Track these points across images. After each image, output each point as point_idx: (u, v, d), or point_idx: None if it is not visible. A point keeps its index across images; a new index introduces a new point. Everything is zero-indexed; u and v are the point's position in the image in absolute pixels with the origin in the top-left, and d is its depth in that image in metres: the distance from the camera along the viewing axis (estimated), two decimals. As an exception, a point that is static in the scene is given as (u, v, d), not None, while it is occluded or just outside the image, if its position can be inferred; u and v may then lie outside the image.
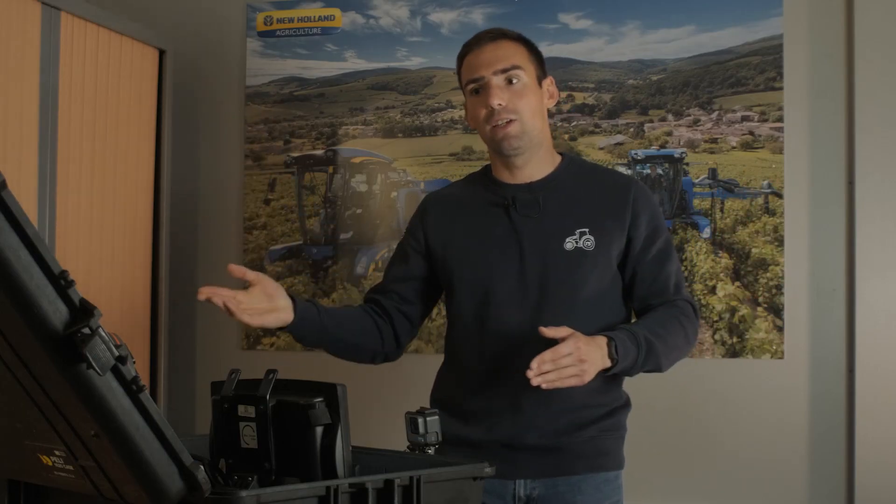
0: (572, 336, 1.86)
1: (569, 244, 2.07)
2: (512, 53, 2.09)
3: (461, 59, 2.15)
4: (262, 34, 3.23)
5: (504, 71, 2.06)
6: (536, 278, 2.06)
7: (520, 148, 2.08)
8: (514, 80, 2.06)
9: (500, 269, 2.08)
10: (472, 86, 2.10)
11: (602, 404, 2.08)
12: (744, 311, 2.80)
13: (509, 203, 2.10)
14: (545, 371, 1.83)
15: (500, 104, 2.04)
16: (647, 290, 2.10)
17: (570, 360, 1.84)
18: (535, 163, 2.13)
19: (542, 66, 2.15)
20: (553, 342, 1.87)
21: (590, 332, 1.96)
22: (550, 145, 2.17)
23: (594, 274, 2.07)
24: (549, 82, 2.15)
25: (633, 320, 2.17)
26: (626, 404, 2.15)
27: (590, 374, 1.87)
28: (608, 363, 1.92)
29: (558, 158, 2.17)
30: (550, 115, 2.93)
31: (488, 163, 2.23)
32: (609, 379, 2.07)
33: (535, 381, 1.82)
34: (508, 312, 2.06)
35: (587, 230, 2.07)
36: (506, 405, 2.06)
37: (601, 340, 1.92)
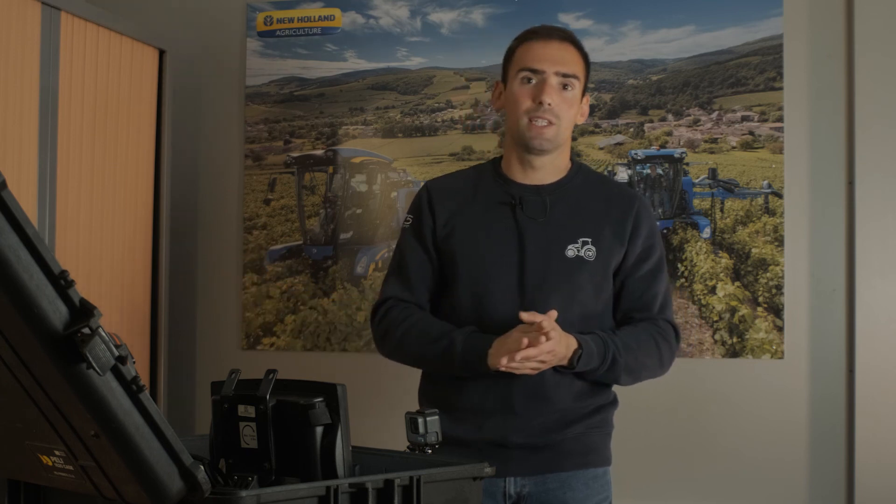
0: (554, 339, 1.93)
1: (570, 251, 2.08)
2: (576, 61, 2.13)
3: (522, 41, 2.16)
4: (262, 34, 3.23)
5: (564, 75, 2.09)
6: (535, 281, 2.07)
7: (545, 150, 2.11)
8: (568, 88, 2.10)
9: (500, 267, 2.09)
10: (526, 73, 2.11)
11: (590, 403, 2.11)
12: (744, 311, 2.80)
13: (516, 203, 2.11)
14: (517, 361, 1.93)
15: (550, 103, 2.07)
16: (631, 305, 2.14)
17: (540, 358, 1.94)
18: (550, 167, 2.15)
19: (587, 83, 2.18)
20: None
21: None
22: (567, 156, 2.20)
23: (592, 283, 2.09)
24: (586, 100, 2.19)
25: None
26: (614, 402, 2.18)
27: (543, 368, 1.99)
28: (565, 364, 2.00)
29: (568, 165, 2.19)
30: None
31: (495, 157, 2.24)
32: (598, 382, 2.10)
33: (504, 365, 1.93)
34: (504, 311, 2.07)
35: (590, 240, 2.09)
36: (497, 404, 2.07)
37: (572, 344, 1.99)
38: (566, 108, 2.10)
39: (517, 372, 1.96)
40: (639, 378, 2.13)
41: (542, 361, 1.95)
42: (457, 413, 2.08)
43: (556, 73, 2.09)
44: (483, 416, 2.07)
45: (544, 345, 1.91)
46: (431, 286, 2.18)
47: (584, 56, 2.16)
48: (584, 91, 2.17)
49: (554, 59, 2.10)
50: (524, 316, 1.93)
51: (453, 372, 2.06)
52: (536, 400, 2.05)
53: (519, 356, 1.90)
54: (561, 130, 2.10)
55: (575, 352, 1.99)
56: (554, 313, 1.95)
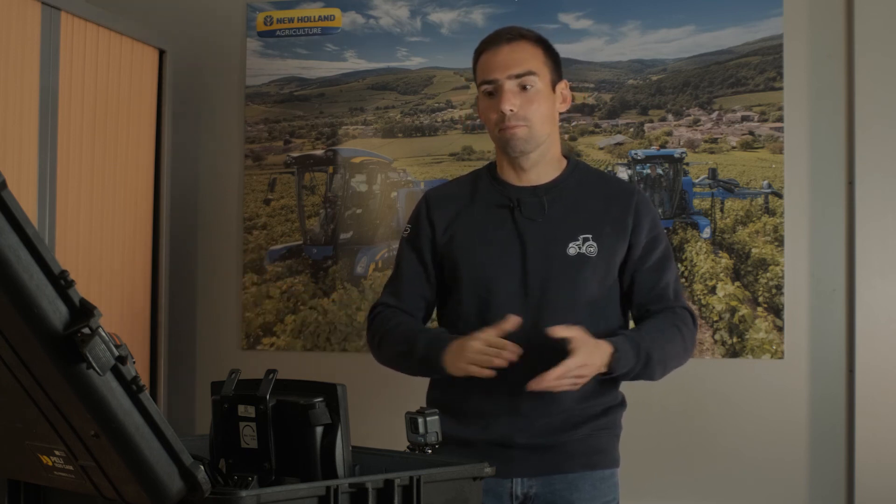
0: (582, 349, 1.91)
1: (572, 249, 2.08)
2: (528, 57, 2.08)
3: (477, 55, 2.15)
4: (262, 34, 3.23)
5: (518, 76, 2.06)
6: (538, 281, 2.07)
7: (526, 151, 2.10)
8: (528, 86, 2.07)
9: (502, 269, 2.09)
10: (485, 87, 2.10)
11: (598, 403, 2.10)
12: (744, 311, 2.80)
13: (514, 205, 2.11)
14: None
15: (511, 110, 2.05)
16: (645, 298, 2.12)
17: (578, 372, 1.91)
18: (542, 166, 2.14)
19: (559, 69, 2.15)
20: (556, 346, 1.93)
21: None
22: (558, 150, 2.18)
23: (595, 280, 2.08)
24: (563, 86, 2.15)
25: (630, 325, 2.19)
26: (622, 403, 2.16)
27: (583, 382, 1.95)
28: (604, 370, 1.98)
29: (564, 163, 2.18)
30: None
31: (492, 161, 2.24)
32: (606, 381, 2.09)
33: (531, 386, 1.90)
34: (509, 314, 2.06)
35: (590, 236, 2.08)
36: (503, 405, 2.07)
37: (606, 350, 1.96)
38: (531, 107, 2.06)
39: (553, 390, 1.95)
40: (668, 369, 2.11)
41: (581, 375, 1.93)
42: (463, 414, 2.08)
43: (510, 77, 2.06)
44: (489, 418, 2.08)
45: (572, 360, 1.89)
46: (427, 295, 2.20)
47: (544, 46, 2.12)
48: (558, 78, 2.13)
49: (503, 64, 2.07)
50: (556, 332, 1.93)
51: (414, 372, 2.11)
52: (542, 401, 2.04)
53: (543, 380, 1.89)
54: (534, 129, 2.07)
55: (612, 356, 1.97)
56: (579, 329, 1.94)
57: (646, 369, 2.04)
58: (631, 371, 2.02)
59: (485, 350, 1.94)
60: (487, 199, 2.16)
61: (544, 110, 2.09)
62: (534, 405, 2.05)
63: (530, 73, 2.06)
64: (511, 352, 1.93)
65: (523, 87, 2.06)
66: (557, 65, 2.14)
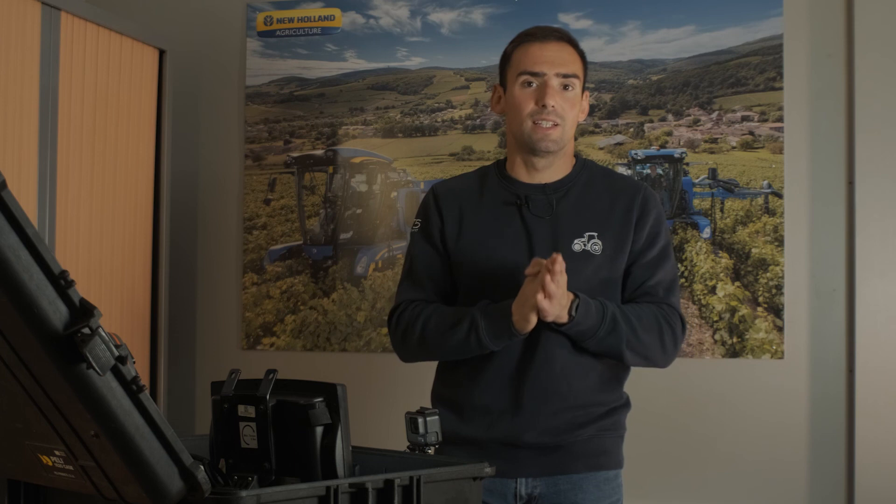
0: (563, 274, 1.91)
1: (577, 245, 2.08)
2: (574, 60, 2.13)
3: (518, 44, 2.15)
4: (262, 34, 3.23)
5: (565, 76, 2.09)
6: None
7: (552, 151, 2.11)
8: (569, 88, 2.10)
9: (509, 266, 2.09)
10: (526, 77, 2.10)
11: (602, 403, 2.10)
12: (744, 311, 2.80)
13: (522, 202, 2.11)
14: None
15: (553, 105, 2.07)
16: (633, 293, 2.11)
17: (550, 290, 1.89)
18: (555, 167, 2.15)
19: (585, 82, 2.18)
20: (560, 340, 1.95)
21: None
22: (571, 152, 2.19)
23: (598, 277, 2.08)
24: (585, 97, 2.18)
25: None
26: (626, 404, 2.16)
27: (549, 311, 1.92)
28: (565, 318, 1.95)
29: (573, 161, 2.19)
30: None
31: (498, 159, 2.24)
32: (610, 378, 2.09)
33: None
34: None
35: (595, 234, 2.08)
36: (507, 403, 2.06)
37: (569, 294, 1.95)
38: (569, 109, 2.10)
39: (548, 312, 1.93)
40: (640, 357, 2.07)
41: (550, 293, 1.90)
42: (467, 412, 2.08)
43: (557, 75, 2.08)
44: (493, 415, 2.07)
45: (560, 276, 1.89)
46: (443, 284, 2.17)
47: (582, 54, 2.16)
48: (584, 89, 2.17)
49: (553, 60, 2.09)
50: (529, 270, 1.93)
51: (483, 350, 2.04)
52: (548, 396, 2.04)
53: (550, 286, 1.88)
54: (566, 131, 2.10)
55: (572, 302, 1.95)
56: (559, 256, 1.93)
57: (612, 336, 2.00)
58: (595, 332, 1.99)
59: (534, 281, 1.93)
60: (495, 195, 2.16)
61: (574, 115, 2.13)
62: (537, 401, 2.05)
63: (574, 75, 2.11)
64: (549, 265, 1.91)
65: (564, 87, 2.09)
66: (586, 77, 2.19)
